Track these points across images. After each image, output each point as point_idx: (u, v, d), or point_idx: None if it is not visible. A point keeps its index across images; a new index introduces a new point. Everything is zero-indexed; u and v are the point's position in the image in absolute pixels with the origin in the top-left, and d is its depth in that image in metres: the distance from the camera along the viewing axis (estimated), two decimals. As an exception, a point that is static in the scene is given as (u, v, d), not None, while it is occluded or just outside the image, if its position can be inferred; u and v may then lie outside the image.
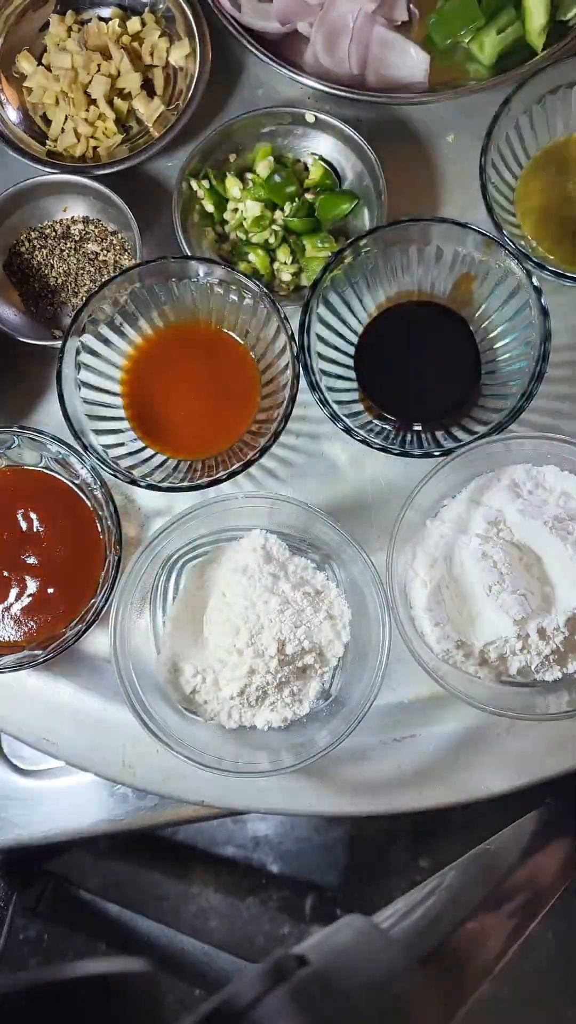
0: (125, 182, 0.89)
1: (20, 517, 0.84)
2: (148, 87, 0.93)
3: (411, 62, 0.89)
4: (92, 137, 0.93)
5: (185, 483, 0.80)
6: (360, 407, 0.85)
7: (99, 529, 0.84)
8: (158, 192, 0.93)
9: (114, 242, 0.91)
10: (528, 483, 0.79)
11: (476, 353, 0.85)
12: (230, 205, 0.90)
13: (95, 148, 0.93)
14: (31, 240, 0.91)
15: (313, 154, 0.91)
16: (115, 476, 0.80)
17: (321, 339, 0.82)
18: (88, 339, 0.81)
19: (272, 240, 0.88)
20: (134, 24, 0.93)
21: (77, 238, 0.92)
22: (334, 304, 0.83)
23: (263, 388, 0.85)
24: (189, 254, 0.87)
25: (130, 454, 0.83)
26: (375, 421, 0.85)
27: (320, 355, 0.81)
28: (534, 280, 0.78)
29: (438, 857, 1.36)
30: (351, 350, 0.86)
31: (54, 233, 0.91)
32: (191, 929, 1.25)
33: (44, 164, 0.90)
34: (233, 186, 0.89)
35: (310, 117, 0.89)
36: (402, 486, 0.86)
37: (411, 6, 0.91)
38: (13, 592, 0.83)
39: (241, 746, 0.79)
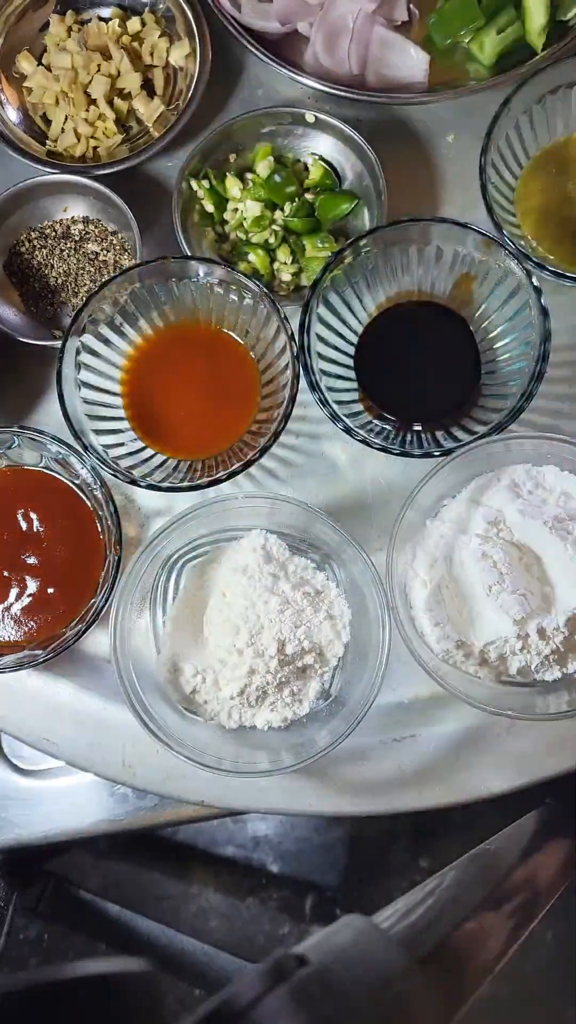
0: (125, 182, 0.89)
1: (20, 517, 0.84)
2: (148, 87, 0.93)
3: (411, 62, 0.89)
4: (92, 137, 0.93)
5: (185, 483, 0.80)
6: (360, 407, 0.85)
7: (99, 529, 0.84)
8: (158, 192, 0.93)
9: (114, 242, 0.91)
10: (528, 483, 0.79)
11: (476, 353, 0.85)
12: (230, 205, 0.90)
13: (95, 148, 0.93)
14: (31, 240, 0.91)
15: (313, 154, 0.91)
16: (115, 476, 0.80)
17: (321, 339, 0.82)
18: (88, 339, 0.81)
19: (272, 240, 0.88)
20: (134, 24, 0.93)
21: (77, 238, 0.92)
22: (334, 304, 0.83)
23: (263, 388, 0.85)
24: (189, 254, 0.87)
25: (130, 454, 0.83)
26: (375, 421, 0.85)
27: (320, 355, 0.81)
28: (534, 280, 0.78)
29: (438, 857, 1.36)
30: (351, 350, 0.86)
31: (54, 233, 0.91)
32: (191, 929, 1.25)
33: (44, 164, 0.90)
34: (233, 186, 0.89)
35: (310, 117, 0.89)
36: (402, 486, 0.86)
37: (411, 6, 0.91)
38: (13, 592, 0.83)
39: (241, 746, 0.79)
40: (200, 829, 1.40)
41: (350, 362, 0.85)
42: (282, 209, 0.89)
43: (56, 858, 1.27)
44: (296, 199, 0.89)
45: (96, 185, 0.89)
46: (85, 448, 0.79)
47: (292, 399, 0.78)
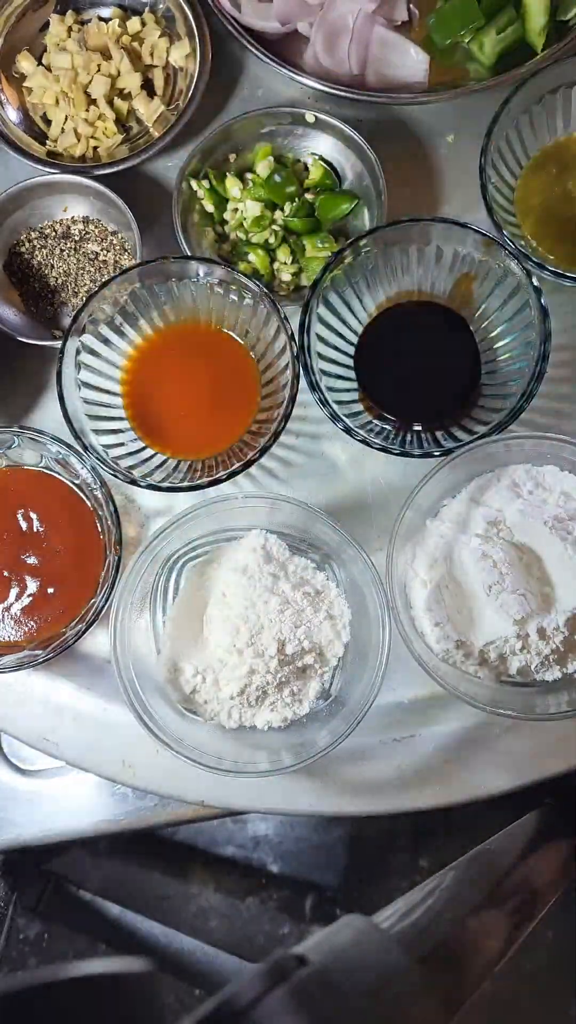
0: (125, 182, 0.89)
1: (20, 517, 0.84)
2: (148, 87, 0.93)
3: (411, 62, 0.89)
4: (92, 137, 0.93)
5: (185, 483, 0.80)
6: (360, 407, 0.85)
7: (99, 529, 0.84)
8: (158, 192, 0.93)
9: (114, 242, 0.91)
10: (528, 483, 0.79)
11: (476, 353, 0.85)
12: (230, 205, 0.90)
13: (95, 148, 0.93)
14: (31, 240, 0.91)
15: (313, 154, 0.91)
16: (115, 476, 0.80)
17: (321, 339, 0.82)
18: (88, 339, 0.81)
19: (272, 240, 0.88)
20: (134, 24, 0.93)
21: (77, 238, 0.92)
22: (334, 304, 0.83)
23: (263, 388, 0.85)
24: (189, 254, 0.87)
25: (130, 454, 0.83)
26: (375, 421, 0.85)
27: (320, 355, 0.81)
28: (534, 280, 0.78)
29: (438, 857, 1.36)
30: (351, 350, 0.86)
31: (54, 233, 0.91)
32: (191, 929, 1.25)
33: (44, 164, 0.90)
34: (233, 186, 0.89)
35: (310, 117, 0.89)
36: (402, 486, 0.86)
37: (411, 6, 0.91)
38: (13, 592, 0.83)
39: (241, 746, 0.79)
40: (200, 829, 1.40)
41: (350, 362, 0.85)
42: (282, 209, 0.89)
43: (56, 858, 1.27)
44: (296, 199, 0.89)
45: (96, 185, 0.89)
46: (85, 448, 0.79)
47: (292, 399, 0.78)
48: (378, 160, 0.87)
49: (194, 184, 0.89)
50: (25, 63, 0.93)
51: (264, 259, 0.89)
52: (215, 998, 0.46)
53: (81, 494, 0.84)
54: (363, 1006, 0.49)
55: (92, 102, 0.92)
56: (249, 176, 0.90)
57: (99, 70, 0.92)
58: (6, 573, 0.83)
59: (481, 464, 0.80)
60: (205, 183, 0.89)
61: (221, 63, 0.93)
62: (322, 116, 0.89)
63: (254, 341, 0.85)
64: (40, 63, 0.93)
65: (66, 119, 0.92)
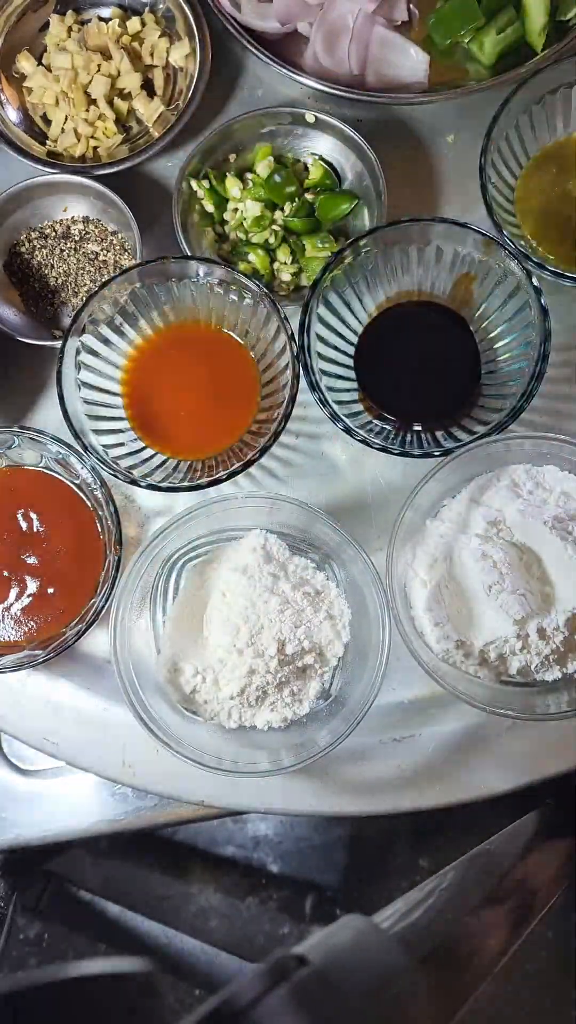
0: (125, 182, 0.89)
1: (20, 517, 0.84)
2: (148, 87, 0.93)
3: (411, 62, 0.89)
4: (92, 137, 0.93)
5: (185, 483, 0.80)
6: (360, 407, 0.85)
7: (99, 529, 0.84)
8: (158, 192, 0.93)
9: (114, 242, 0.91)
10: (528, 483, 0.79)
11: (476, 353, 0.85)
12: (230, 205, 0.90)
13: (95, 148, 0.93)
14: (31, 240, 0.91)
15: (313, 154, 0.91)
16: (115, 476, 0.80)
17: (321, 339, 0.82)
18: (88, 339, 0.81)
19: (272, 240, 0.88)
20: (134, 24, 0.93)
21: (77, 238, 0.92)
22: (334, 304, 0.83)
23: (263, 388, 0.85)
24: (189, 254, 0.87)
25: (130, 454, 0.83)
26: (375, 421, 0.85)
27: (320, 355, 0.81)
28: (534, 280, 0.78)
29: (438, 857, 1.36)
30: (351, 350, 0.86)
31: (54, 233, 0.91)
32: (191, 929, 1.25)
33: (44, 164, 0.90)
34: (233, 186, 0.89)
35: (310, 117, 0.89)
36: (402, 486, 0.86)
37: (411, 6, 0.91)
38: (13, 592, 0.83)
39: (241, 746, 0.79)
40: (200, 829, 1.40)
41: (350, 362, 0.85)
42: (282, 209, 0.89)
43: (56, 858, 1.27)
44: (296, 199, 0.89)
45: (96, 185, 0.89)
46: (85, 448, 0.79)
47: (292, 399, 0.78)
48: (378, 160, 0.87)
49: (194, 184, 0.89)
50: (25, 63, 0.93)
51: (264, 259, 0.89)
52: (215, 998, 0.46)
53: (81, 494, 0.84)
54: (363, 1006, 0.49)
55: (92, 102, 0.92)
56: (249, 176, 0.90)
57: (99, 70, 0.92)
58: (6, 573, 0.83)
59: (481, 464, 0.80)
60: (205, 183, 0.89)
61: (221, 63, 0.93)
62: (322, 116, 0.89)
63: (254, 341, 0.85)
64: (40, 63, 0.93)
65: (66, 119, 0.92)
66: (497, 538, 0.77)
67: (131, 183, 0.90)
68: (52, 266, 0.91)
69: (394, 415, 0.84)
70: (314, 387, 0.79)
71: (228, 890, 1.39)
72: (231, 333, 0.86)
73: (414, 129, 0.93)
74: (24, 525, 0.83)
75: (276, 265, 0.89)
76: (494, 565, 0.75)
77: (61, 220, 0.92)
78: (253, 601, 0.77)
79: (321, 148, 0.91)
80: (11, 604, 0.83)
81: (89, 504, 0.84)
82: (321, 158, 0.91)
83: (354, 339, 0.86)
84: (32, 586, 0.83)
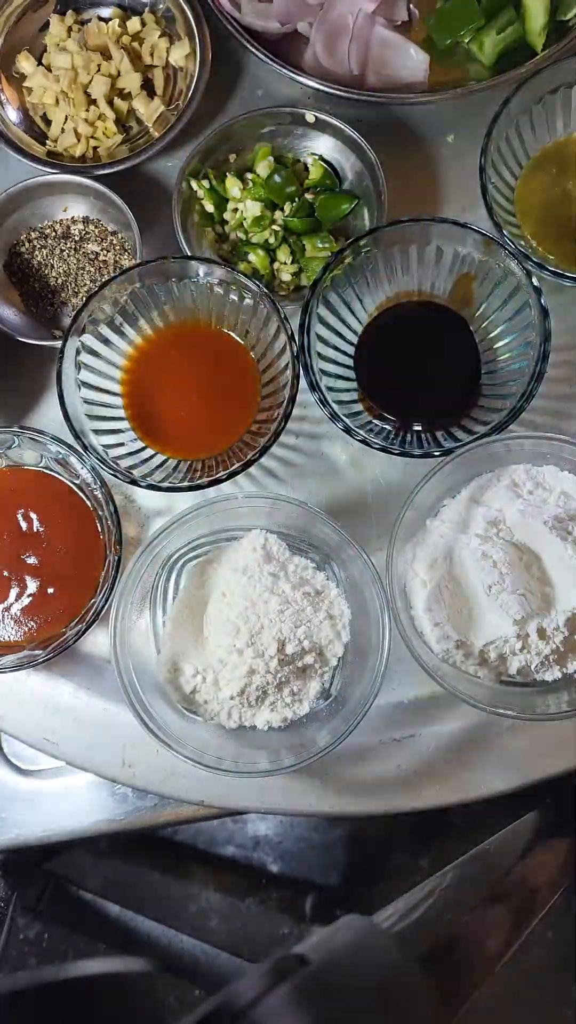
0: (125, 182, 0.89)
1: (20, 517, 0.84)
2: (148, 87, 0.93)
3: (411, 62, 0.89)
4: (92, 137, 0.93)
5: (185, 483, 0.80)
6: (360, 407, 0.85)
7: (99, 529, 0.84)
8: (158, 192, 0.93)
9: (114, 242, 0.91)
10: (528, 483, 0.79)
11: (476, 353, 0.85)
12: (230, 205, 0.90)
13: (95, 148, 0.93)
14: (31, 240, 0.91)
15: (313, 154, 0.91)
16: (115, 476, 0.80)
17: (321, 339, 0.82)
18: (88, 339, 0.81)
19: (272, 240, 0.88)
20: (134, 24, 0.93)
21: (77, 238, 0.92)
22: (334, 304, 0.83)
23: (263, 388, 0.85)
24: (189, 254, 0.87)
25: (130, 454, 0.83)
26: (375, 421, 0.85)
27: (320, 355, 0.81)
28: (534, 280, 0.78)
29: (438, 857, 1.36)
30: (351, 350, 0.86)
31: (54, 233, 0.91)
32: (191, 929, 1.25)
33: (44, 164, 0.90)
34: (233, 186, 0.89)
35: (310, 117, 0.89)
36: (402, 486, 0.86)
37: (411, 6, 0.91)
38: (13, 592, 0.83)
39: (241, 746, 0.79)
40: (200, 829, 1.40)
41: (350, 362, 0.85)
42: (282, 209, 0.89)
43: (56, 858, 1.27)
44: (296, 199, 0.89)
45: (96, 185, 0.89)
46: (85, 448, 0.79)
47: (292, 399, 0.78)
48: (378, 160, 0.87)
49: (194, 184, 0.89)
50: (25, 63, 0.93)
51: (264, 259, 0.89)
52: (215, 998, 0.46)
53: (81, 494, 0.84)
54: (363, 1006, 0.49)
55: (92, 102, 0.92)
56: (249, 176, 0.90)
57: (99, 70, 0.92)
58: (6, 573, 0.83)
59: (481, 464, 0.80)
60: (205, 183, 0.89)
61: (221, 63, 0.93)
62: (322, 116, 0.89)
63: (254, 341, 0.85)
64: (40, 63, 0.93)
65: (66, 119, 0.92)
66: (497, 538, 0.77)
67: (131, 183, 0.90)
68: (52, 266, 0.91)
69: (394, 415, 0.84)
70: (314, 387, 0.79)
71: (228, 890, 1.39)
72: (231, 333, 0.86)
73: (414, 129, 0.93)
74: (24, 525, 0.83)
75: (276, 265, 0.89)
76: (494, 565, 0.75)
77: (61, 220, 0.92)
78: (253, 601, 0.77)
79: (321, 148, 0.91)
80: (11, 604, 0.83)
81: (89, 504, 0.84)
82: (321, 158, 0.91)
83: (354, 339, 0.86)
84: (32, 586, 0.82)
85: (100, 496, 0.82)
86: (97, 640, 0.86)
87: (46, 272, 0.91)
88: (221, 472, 0.78)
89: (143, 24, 0.93)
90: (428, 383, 0.85)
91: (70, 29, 0.94)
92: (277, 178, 0.89)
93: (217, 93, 0.93)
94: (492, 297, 0.83)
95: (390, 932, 0.56)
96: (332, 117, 0.88)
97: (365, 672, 0.76)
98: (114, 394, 0.84)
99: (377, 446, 0.80)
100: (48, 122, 0.94)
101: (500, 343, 0.84)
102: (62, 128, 0.93)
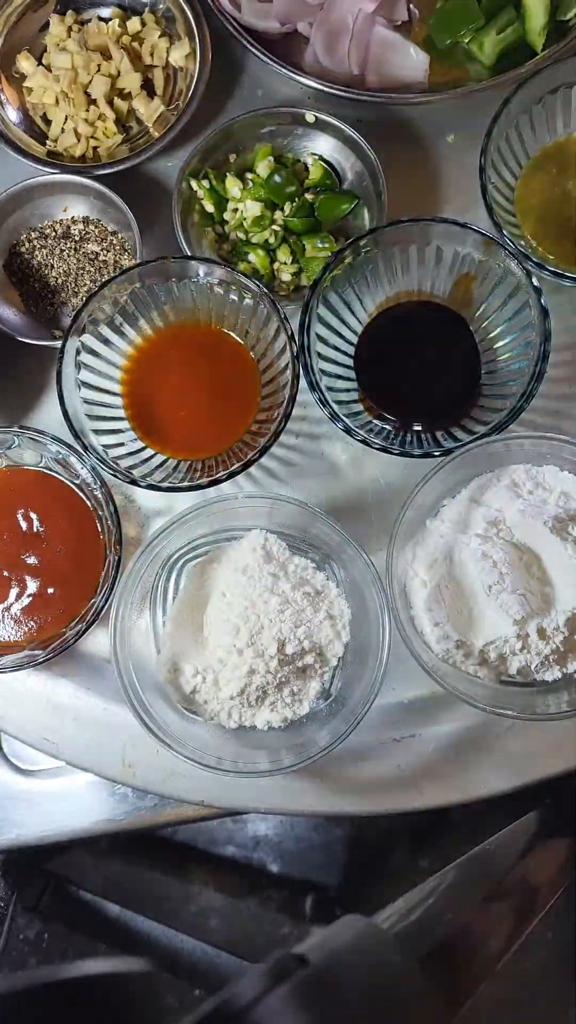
0: (125, 182, 0.89)
1: (20, 517, 0.84)
2: (148, 87, 0.93)
3: (411, 62, 0.89)
4: (92, 137, 0.93)
5: (185, 483, 0.80)
6: (360, 407, 0.85)
7: (99, 529, 0.84)
8: (158, 192, 0.93)
9: (114, 242, 0.91)
10: (528, 483, 0.79)
11: (476, 353, 0.85)
12: (230, 205, 0.90)
13: (95, 148, 0.93)
14: (31, 240, 0.91)
15: (313, 154, 0.91)
16: (115, 476, 0.80)
17: (321, 339, 0.82)
18: (88, 339, 0.81)
19: (272, 240, 0.88)
20: (134, 24, 0.93)
21: (77, 238, 0.92)
22: (334, 304, 0.83)
23: (263, 388, 0.85)
24: (189, 254, 0.87)
25: (130, 454, 0.83)
26: (375, 421, 0.85)
27: (320, 355, 0.81)
28: (534, 280, 0.78)
29: (438, 857, 1.36)
30: (351, 350, 0.86)
31: (54, 233, 0.91)
32: (191, 929, 1.25)
33: (44, 164, 0.90)
34: (233, 186, 0.89)
35: (310, 117, 0.89)
36: (402, 486, 0.86)
37: (411, 6, 0.91)
38: (13, 592, 0.83)
39: (241, 746, 0.79)
40: (200, 829, 1.40)
41: (350, 362, 0.85)
42: (282, 209, 0.89)
43: (56, 858, 1.27)
44: (296, 199, 0.89)
45: (96, 185, 0.89)
46: (85, 448, 0.79)
47: (292, 399, 0.78)
48: (378, 160, 0.87)
49: (194, 184, 0.89)
50: (25, 63, 0.93)
51: (264, 259, 0.89)
52: (215, 998, 0.46)
53: (81, 494, 0.84)
54: (363, 1006, 0.49)
55: (92, 102, 0.92)
56: (249, 176, 0.90)
57: (99, 70, 0.92)
58: (6, 573, 0.83)
59: (481, 464, 0.80)
60: (205, 183, 0.89)
61: (221, 63, 0.93)
62: (322, 116, 0.89)
63: (254, 341, 0.85)
64: (40, 63, 0.93)
65: (66, 119, 0.92)
66: (497, 538, 0.77)
67: (131, 183, 0.90)
68: (52, 266, 0.91)
69: (394, 415, 0.84)
70: (314, 387, 0.79)
71: (228, 890, 1.39)
72: (231, 333, 0.86)
73: (414, 129, 0.93)
74: (24, 525, 0.83)
75: (276, 265, 0.89)
76: (494, 565, 0.75)
77: (61, 220, 0.92)
78: (253, 601, 0.77)
79: (321, 148, 0.91)
80: (11, 604, 0.83)
81: (89, 504, 0.84)
82: (321, 158, 0.91)
83: (354, 339, 0.86)
84: (32, 586, 0.82)
85: (100, 496, 0.82)
86: (97, 640, 0.86)
87: (46, 272, 0.91)
88: (221, 472, 0.78)
89: (143, 24, 0.93)
90: (428, 383, 0.85)
91: (70, 29, 0.94)
92: (277, 178, 0.89)
93: (217, 93, 0.93)
94: (492, 297, 0.83)
95: (390, 932, 0.56)
96: (332, 117, 0.88)
97: (365, 672, 0.76)
98: (114, 394, 0.84)
99: (377, 446, 0.80)
100: (48, 122, 0.94)
101: (500, 343, 0.84)
102: (62, 128, 0.92)
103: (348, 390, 0.84)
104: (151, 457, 0.84)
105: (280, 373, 0.82)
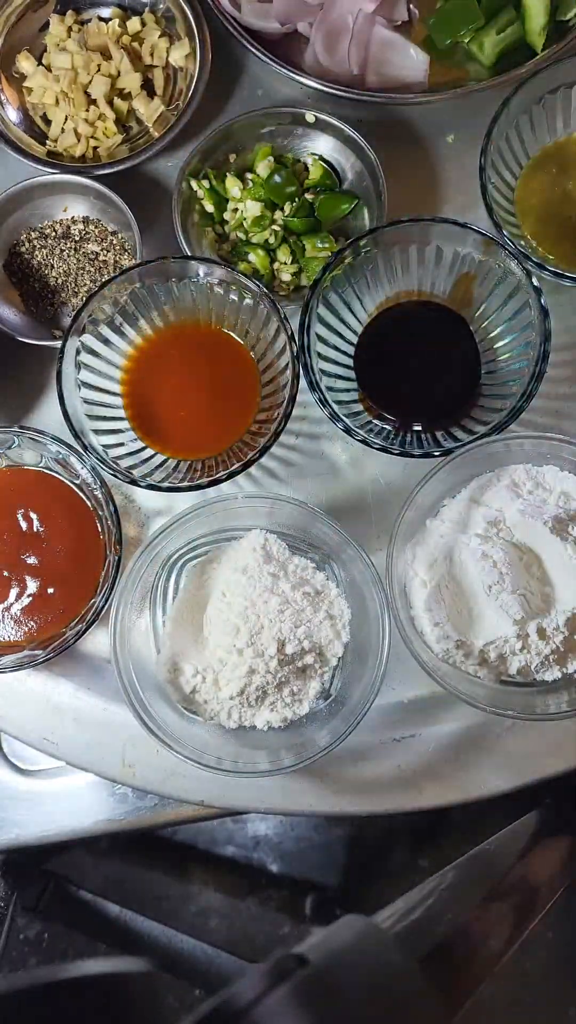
0: (125, 182, 0.89)
1: (20, 517, 0.84)
2: (148, 87, 0.93)
3: (411, 62, 0.89)
4: (92, 137, 0.93)
5: (185, 483, 0.80)
6: (360, 407, 0.85)
7: (99, 529, 0.84)
8: (158, 192, 0.93)
9: (114, 242, 0.91)
10: (528, 483, 0.79)
11: (476, 353, 0.85)
12: (230, 205, 0.90)
13: (95, 148, 0.93)
14: (31, 240, 0.91)
15: (313, 154, 0.91)
16: (115, 476, 0.80)
17: (321, 339, 0.82)
18: (88, 339, 0.81)
19: (272, 240, 0.88)
20: (134, 24, 0.93)
21: (77, 238, 0.92)
22: (334, 304, 0.83)
23: (263, 388, 0.85)
24: (189, 254, 0.87)
25: (130, 454, 0.83)
26: (375, 421, 0.85)
27: (320, 355, 0.81)
28: (534, 280, 0.78)
29: (438, 857, 1.36)
30: (351, 350, 0.86)
31: (54, 233, 0.91)
32: (191, 929, 1.25)
33: (44, 164, 0.90)
34: (233, 186, 0.89)
35: (310, 117, 0.89)
36: (402, 486, 0.86)
37: (411, 6, 0.91)
38: (13, 592, 0.83)
39: (241, 746, 0.79)
40: (200, 829, 1.40)
41: (350, 362, 0.85)
42: (282, 209, 0.89)
43: (56, 858, 1.27)
44: (296, 199, 0.89)
45: (96, 185, 0.89)
46: (85, 448, 0.79)
47: (292, 399, 0.78)
48: (378, 160, 0.87)
49: (194, 184, 0.89)
50: (25, 63, 0.93)
51: (264, 259, 0.89)
52: (215, 998, 0.46)
53: (81, 494, 0.84)
54: (363, 1006, 0.49)
55: (92, 102, 0.92)
56: (249, 176, 0.90)
57: (99, 70, 0.92)
58: (6, 573, 0.83)
59: (481, 464, 0.80)
60: (205, 183, 0.89)
61: (221, 63, 0.93)
62: (322, 116, 0.89)
63: (254, 341, 0.85)
64: (40, 63, 0.93)
65: (66, 119, 0.92)
66: (497, 538, 0.77)
67: (131, 183, 0.90)
68: (52, 266, 0.91)
69: (394, 415, 0.84)
70: (314, 387, 0.79)
71: (228, 890, 1.39)
72: (231, 333, 0.86)
73: (414, 129, 0.93)
74: (24, 525, 0.83)
75: (276, 265, 0.89)
76: (494, 565, 0.75)
77: (61, 220, 0.92)
78: (253, 601, 0.77)
79: (321, 148, 0.91)
80: (11, 604, 0.83)
81: (89, 504, 0.84)
82: (321, 158, 0.91)
83: (354, 339, 0.86)
84: (32, 586, 0.83)
85: (100, 496, 0.82)
86: (97, 640, 0.86)
87: (46, 272, 0.91)
88: (221, 472, 0.78)
89: (143, 24, 0.93)
90: (428, 383, 0.85)
91: (70, 29, 0.94)
92: (277, 178, 0.89)
93: (217, 93, 0.93)
94: (492, 297, 0.83)
95: (390, 932, 0.56)
96: (332, 117, 0.88)
97: (365, 672, 0.76)
98: (114, 394, 0.84)
99: (377, 446, 0.80)
100: (48, 122, 0.94)
101: (500, 343, 0.84)
102: (62, 128, 0.92)
103: (348, 390, 0.84)
104: (151, 457, 0.84)
105: (280, 373, 0.82)
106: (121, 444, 0.83)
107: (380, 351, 0.85)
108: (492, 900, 0.65)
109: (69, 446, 0.81)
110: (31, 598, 0.83)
